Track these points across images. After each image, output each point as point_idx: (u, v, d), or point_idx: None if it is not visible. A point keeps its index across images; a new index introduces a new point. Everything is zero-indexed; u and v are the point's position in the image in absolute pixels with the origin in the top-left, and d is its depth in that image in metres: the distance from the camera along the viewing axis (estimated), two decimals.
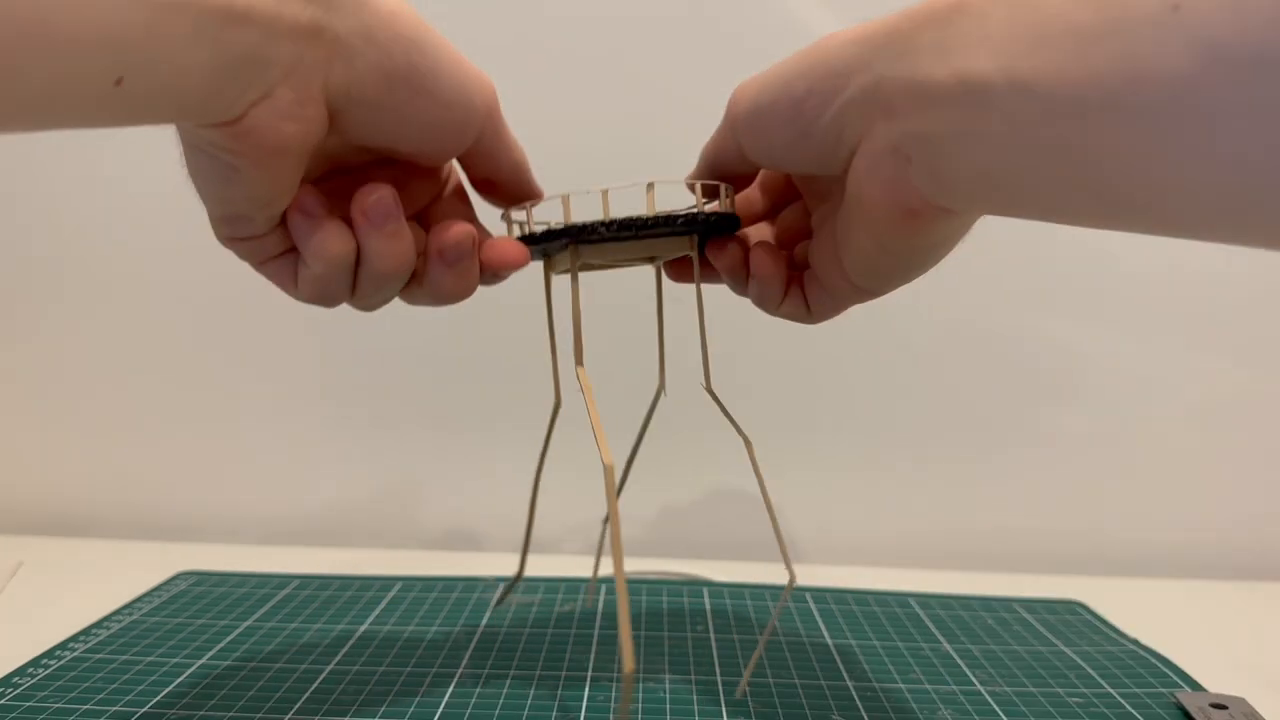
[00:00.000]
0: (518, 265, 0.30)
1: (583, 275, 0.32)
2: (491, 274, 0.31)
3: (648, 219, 0.29)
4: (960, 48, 0.20)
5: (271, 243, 0.27)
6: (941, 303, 0.57)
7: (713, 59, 0.55)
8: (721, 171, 0.30)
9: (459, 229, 0.29)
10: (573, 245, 0.30)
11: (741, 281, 0.32)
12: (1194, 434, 0.59)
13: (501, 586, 0.48)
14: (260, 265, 0.28)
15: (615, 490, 0.26)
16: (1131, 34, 0.17)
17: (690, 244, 0.32)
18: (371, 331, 0.60)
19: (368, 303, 0.30)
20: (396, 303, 0.31)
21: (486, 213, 0.33)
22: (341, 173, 0.28)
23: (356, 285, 0.28)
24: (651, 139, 0.53)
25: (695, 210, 0.30)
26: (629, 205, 0.30)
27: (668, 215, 0.29)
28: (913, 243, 0.25)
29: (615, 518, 0.26)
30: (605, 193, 0.29)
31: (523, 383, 0.60)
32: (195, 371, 0.61)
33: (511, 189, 0.31)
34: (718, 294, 0.37)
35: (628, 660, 0.24)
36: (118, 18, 0.18)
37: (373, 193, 0.27)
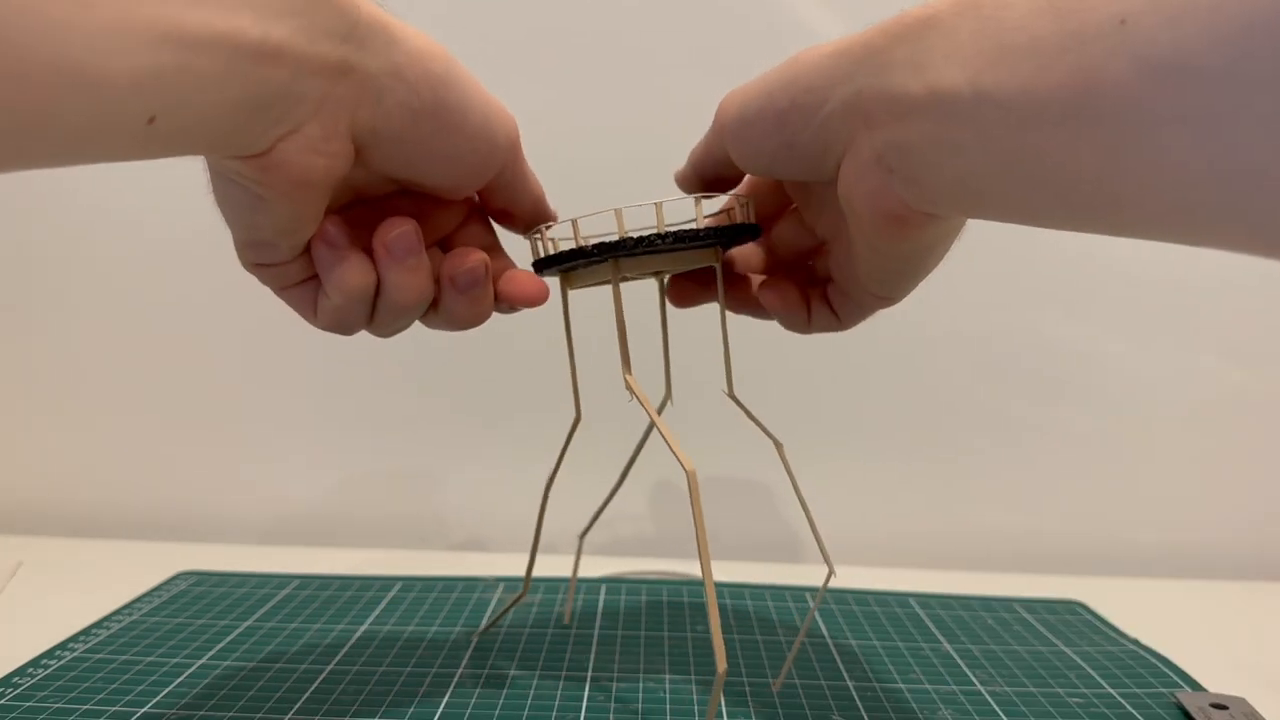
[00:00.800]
0: (536, 302, 0.31)
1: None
2: (508, 305, 0.31)
3: (700, 231, 0.29)
4: (931, 62, 0.21)
5: (294, 270, 0.27)
6: (942, 303, 0.57)
7: (710, 59, 0.55)
8: (708, 174, 0.31)
9: (472, 257, 0.29)
10: (614, 259, 0.30)
11: (757, 310, 0.33)
12: (1194, 434, 0.59)
13: (502, 598, 0.48)
14: (281, 291, 0.28)
15: (698, 496, 0.26)
16: (1085, 47, 0.18)
17: (715, 255, 0.32)
18: (372, 336, 0.60)
19: (385, 331, 0.30)
20: None
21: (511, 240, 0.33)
22: (365, 202, 0.29)
23: (374, 315, 0.29)
24: (648, 140, 0.53)
25: (742, 222, 0.30)
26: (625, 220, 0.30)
27: (717, 227, 0.30)
28: (904, 247, 0.26)
29: (701, 523, 0.26)
30: (659, 205, 0.29)
31: (525, 384, 0.60)
32: (196, 372, 0.61)
33: (529, 220, 0.32)
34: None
35: (720, 660, 0.25)
36: (151, 60, 0.18)
37: (395, 227, 0.27)
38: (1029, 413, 0.60)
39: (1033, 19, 0.19)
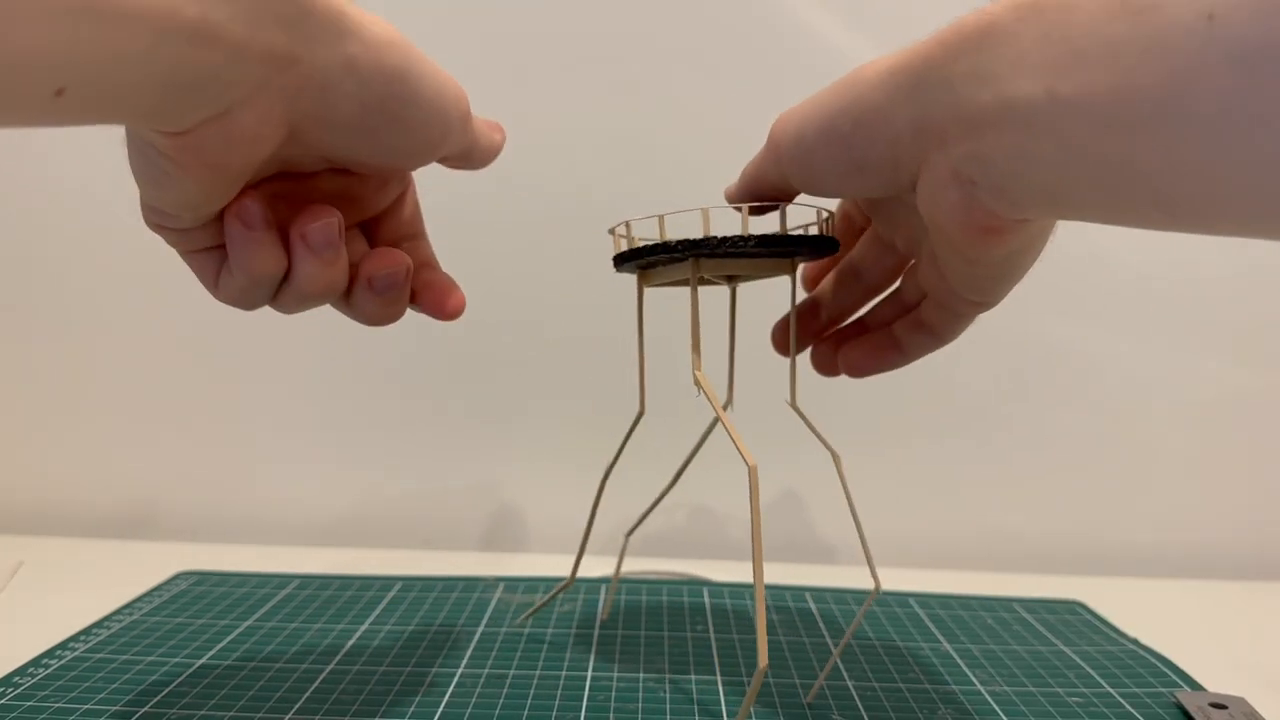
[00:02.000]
0: (450, 317, 0.30)
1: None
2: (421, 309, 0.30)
3: (786, 236, 0.29)
4: (997, 71, 0.20)
5: (200, 237, 0.26)
6: None
7: (712, 62, 0.55)
8: (764, 197, 0.31)
9: (393, 261, 0.28)
10: (695, 259, 0.30)
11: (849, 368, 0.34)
12: (1194, 434, 0.59)
13: (503, 598, 0.48)
14: (185, 254, 0.27)
15: (758, 492, 0.27)
16: (1170, 47, 0.17)
17: (791, 266, 0.32)
18: (372, 333, 0.60)
19: (288, 312, 0.28)
20: None
21: (448, 241, 0.32)
22: (291, 176, 0.27)
23: (278, 296, 0.27)
24: (650, 145, 0.53)
25: (820, 233, 0.31)
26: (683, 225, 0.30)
27: (801, 235, 0.30)
28: (999, 253, 0.25)
29: (757, 521, 0.27)
30: (745, 209, 0.30)
31: (526, 385, 0.60)
32: (197, 372, 0.61)
33: (481, 166, 0.31)
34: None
35: (762, 656, 0.26)
36: (64, 32, 0.17)
37: (316, 218, 0.26)
38: (1029, 412, 0.60)
39: (1104, 22, 0.18)
